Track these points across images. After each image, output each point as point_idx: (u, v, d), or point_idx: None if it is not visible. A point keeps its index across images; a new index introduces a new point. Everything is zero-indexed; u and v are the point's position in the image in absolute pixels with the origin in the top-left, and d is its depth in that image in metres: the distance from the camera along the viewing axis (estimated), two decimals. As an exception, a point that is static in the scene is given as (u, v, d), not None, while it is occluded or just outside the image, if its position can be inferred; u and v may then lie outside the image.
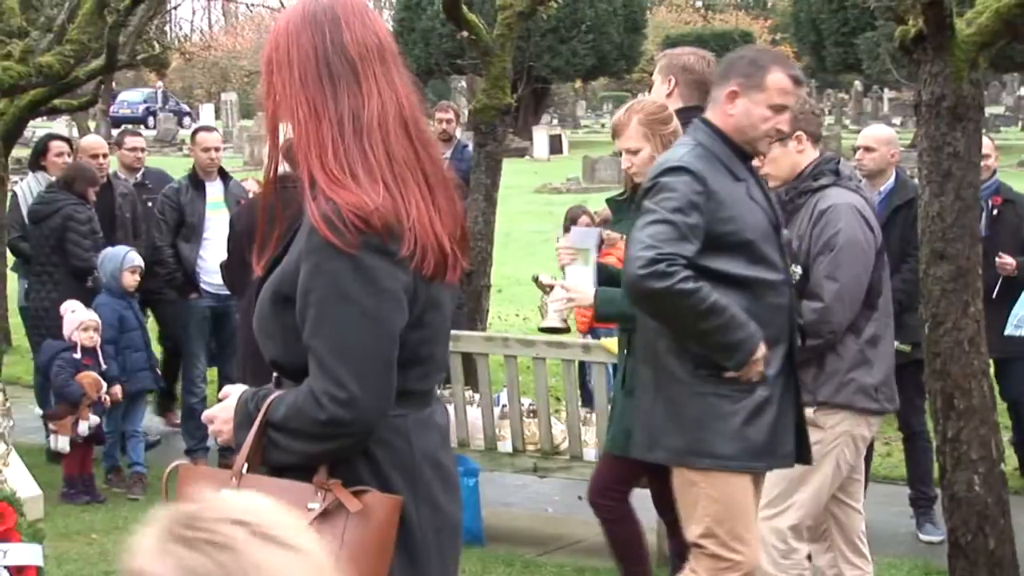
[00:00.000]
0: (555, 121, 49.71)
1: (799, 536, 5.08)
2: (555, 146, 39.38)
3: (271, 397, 2.65)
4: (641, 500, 5.40)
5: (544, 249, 5.43)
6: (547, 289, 5.26)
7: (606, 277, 5.05)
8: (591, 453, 6.74)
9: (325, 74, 2.64)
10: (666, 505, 5.44)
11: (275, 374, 2.79)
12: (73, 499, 7.71)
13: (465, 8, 10.69)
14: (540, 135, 39.48)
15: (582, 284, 5.04)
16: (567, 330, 5.64)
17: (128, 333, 8.06)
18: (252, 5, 33.10)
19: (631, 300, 4.30)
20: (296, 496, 2.56)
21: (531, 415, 7.00)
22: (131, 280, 8.18)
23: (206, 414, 2.84)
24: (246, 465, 2.68)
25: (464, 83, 41.32)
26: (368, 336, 2.56)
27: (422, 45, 41.82)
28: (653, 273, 4.05)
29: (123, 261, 8.22)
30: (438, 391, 2.99)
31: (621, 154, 5.19)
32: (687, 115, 5.57)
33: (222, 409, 2.79)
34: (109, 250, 8.52)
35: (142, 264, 8.32)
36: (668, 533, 5.50)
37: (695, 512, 4.34)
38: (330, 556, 2.49)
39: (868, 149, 7.04)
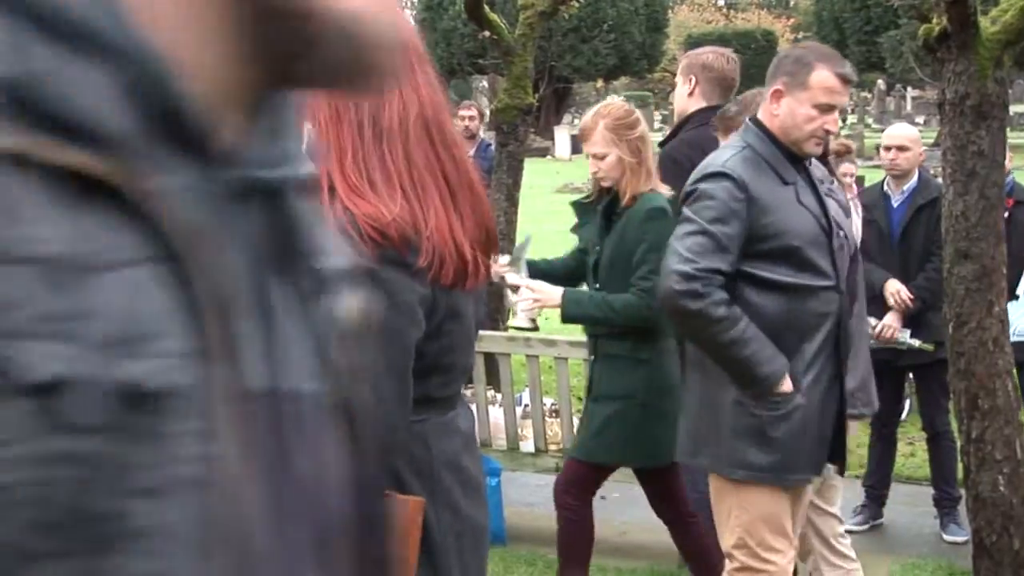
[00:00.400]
0: (576, 121, 49.66)
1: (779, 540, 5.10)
2: (576, 146, 39.24)
3: None
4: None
5: (566, 248, 5.43)
6: (514, 289, 5.25)
7: (539, 273, 5.16)
8: (613, 453, 6.72)
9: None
10: (663, 507, 5.47)
11: None
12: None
13: (487, 8, 10.69)
14: (562, 135, 39.44)
15: (548, 286, 5.03)
16: (536, 329, 5.66)
17: None
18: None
19: (664, 311, 4.27)
20: None
21: (553, 415, 6.98)
22: None
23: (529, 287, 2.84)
24: None
25: (486, 83, 41.37)
26: (387, 351, 2.52)
27: (444, 45, 41.82)
28: (687, 292, 4.00)
29: None
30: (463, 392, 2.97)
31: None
32: (709, 114, 5.57)
33: (545, 287, 2.78)
34: None
35: None
36: (671, 535, 5.51)
37: (728, 521, 4.30)
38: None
39: (902, 148, 6.96)
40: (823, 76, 4.21)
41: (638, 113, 5.27)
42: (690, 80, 5.61)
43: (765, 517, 4.25)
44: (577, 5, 11.53)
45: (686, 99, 5.64)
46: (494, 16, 10.78)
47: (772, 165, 4.18)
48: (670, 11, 50.53)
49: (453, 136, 2.74)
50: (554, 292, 5.00)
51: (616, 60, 43.23)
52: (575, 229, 5.46)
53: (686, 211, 4.13)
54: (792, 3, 68.47)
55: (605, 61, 42.76)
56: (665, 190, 5.16)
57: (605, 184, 5.06)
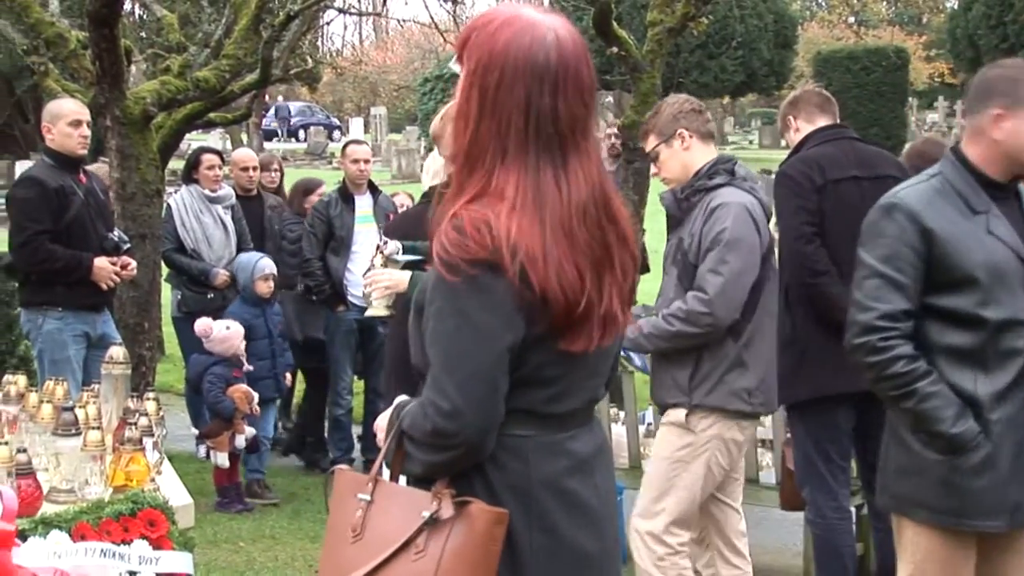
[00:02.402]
0: (702, 137, 49.41)
1: (675, 535, 5.03)
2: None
3: (408, 406, 2.66)
4: (782, 523, 5.31)
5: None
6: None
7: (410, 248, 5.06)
8: (737, 474, 6.65)
9: (532, 137, 2.59)
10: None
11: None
12: (227, 508, 7.84)
13: (615, 24, 10.68)
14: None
15: (396, 271, 4.96)
16: (393, 317, 5.57)
17: (254, 342, 8.07)
18: (403, 21, 33.49)
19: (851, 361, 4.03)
20: (415, 503, 2.59)
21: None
22: (265, 288, 8.26)
23: (376, 424, 2.83)
24: (385, 471, 2.69)
25: (612, 99, 41.29)
26: (477, 351, 2.53)
27: (570, 61, 41.84)
28: (865, 346, 3.83)
29: (255, 269, 8.30)
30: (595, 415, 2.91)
31: (771, 172, 5.14)
32: (830, 132, 5.58)
33: (382, 418, 2.79)
34: (242, 257, 8.64)
35: (275, 271, 8.42)
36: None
37: (905, 557, 4.04)
38: (434, 563, 2.52)
39: None
40: None
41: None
42: (788, 122, 5.69)
43: (941, 562, 3.96)
44: (706, 22, 11.48)
45: (794, 136, 5.69)
46: (622, 32, 10.77)
47: (963, 194, 3.89)
48: (799, 28, 49.99)
49: (618, 210, 2.71)
50: (403, 276, 4.93)
51: (743, 77, 42.90)
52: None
53: (859, 251, 3.94)
54: (924, 20, 67.48)
55: (732, 78, 42.46)
56: None
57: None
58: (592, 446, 2.78)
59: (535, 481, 2.64)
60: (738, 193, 4.98)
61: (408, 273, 4.93)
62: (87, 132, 7.13)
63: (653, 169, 5.31)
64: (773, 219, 5.44)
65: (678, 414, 4.98)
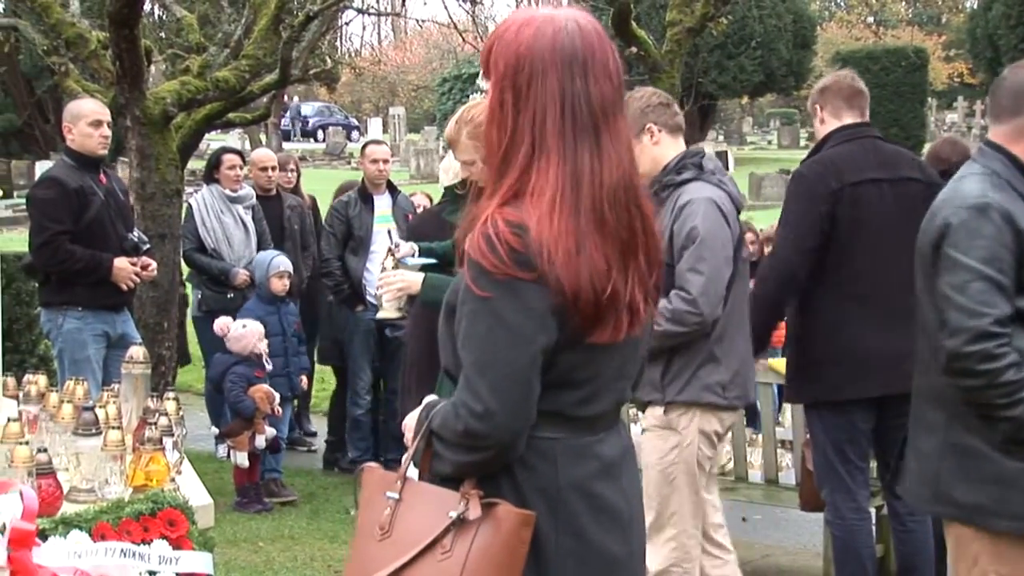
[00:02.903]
0: (721, 137, 49.36)
1: (695, 538, 5.01)
2: (721, 162, 39.07)
3: (438, 405, 2.66)
4: (801, 524, 5.30)
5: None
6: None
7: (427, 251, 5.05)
8: (756, 475, 6.64)
9: (569, 124, 2.61)
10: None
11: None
12: (246, 508, 7.85)
13: (634, 24, 10.67)
14: (706, 151, 39.20)
15: (409, 272, 4.95)
16: (404, 318, 5.55)
17: (268, 339, 8.06)
18: (421, 21, 33.45)
19: (945, 368, 3.78)
20: (443, 503, 2.60)
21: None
22: (279, 285, 8.28)
23: (404, 423, 2.83)
24: (413, 470, 2.69)
25: (630, 99, 41.23)
26: (511, 353, 2.53)
27: (588, 61, 41.82)
28: (980, 353, 3.64)
29: (270, 266, 8.33)
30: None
31: (789, 172, 5.13)
32: (853, 130, 5.52)
33: (410, 418, 2.78)
34: (259, 255, 8.67)
35: (290, 269, 8.44)
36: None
37: (972, 570, 3.86)
38: (459, 564, 2.52)
39: None
40: None
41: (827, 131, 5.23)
42: (816, 110, 5.60)
43: (1020, 573, 3.79)
44: (725, 22, 11.46)
45: (821, 127, 5.62)
46: (641, 32, 10.76)
47: (1018, 191, 3.79)
48: (818, 28, 49.88)
49: (642, 195, 2.73)
50: (415, 278, 4.92)
51: (762, 77, 42.84)
52: (449, 214, 5.38)
53: (951, 252, 3.73)
54: (944, 20, 67.27)
55: (751, 78, 42.41)
56: None
57: (481, 186, 5.05)
58: (619, 449, 2.78)
59: (563, 484, 2.64)
60: (706, 187, 4.96)
61: (421, 275, 4.93)
62: (107, 132, 7.14)
63: None
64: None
65: (656, 412, 4.96)
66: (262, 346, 7.84)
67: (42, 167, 35.63)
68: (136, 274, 7.21)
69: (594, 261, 2.57)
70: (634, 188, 2.69)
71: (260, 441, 7.73)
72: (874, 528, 5.84)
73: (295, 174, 10.36)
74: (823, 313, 5.37)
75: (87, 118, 7.07)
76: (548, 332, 2.55)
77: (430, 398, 2.78)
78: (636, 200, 2.68)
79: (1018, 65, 4.02)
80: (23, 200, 31.78)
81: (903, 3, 68.51)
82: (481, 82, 2.78)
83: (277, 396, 7.81)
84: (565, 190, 2.57)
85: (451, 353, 2.68)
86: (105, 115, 7.19)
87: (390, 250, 5.15)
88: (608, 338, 2.63)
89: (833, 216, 5.31)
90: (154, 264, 7.45)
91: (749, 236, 8.87)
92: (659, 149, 5.04)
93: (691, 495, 5.00)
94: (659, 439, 4.98)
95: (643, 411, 5.13)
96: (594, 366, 2.66)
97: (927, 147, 8.16)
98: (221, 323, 7.88)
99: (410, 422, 2.77)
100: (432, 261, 5.01)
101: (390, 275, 5.02)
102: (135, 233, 7.39)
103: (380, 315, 5.43)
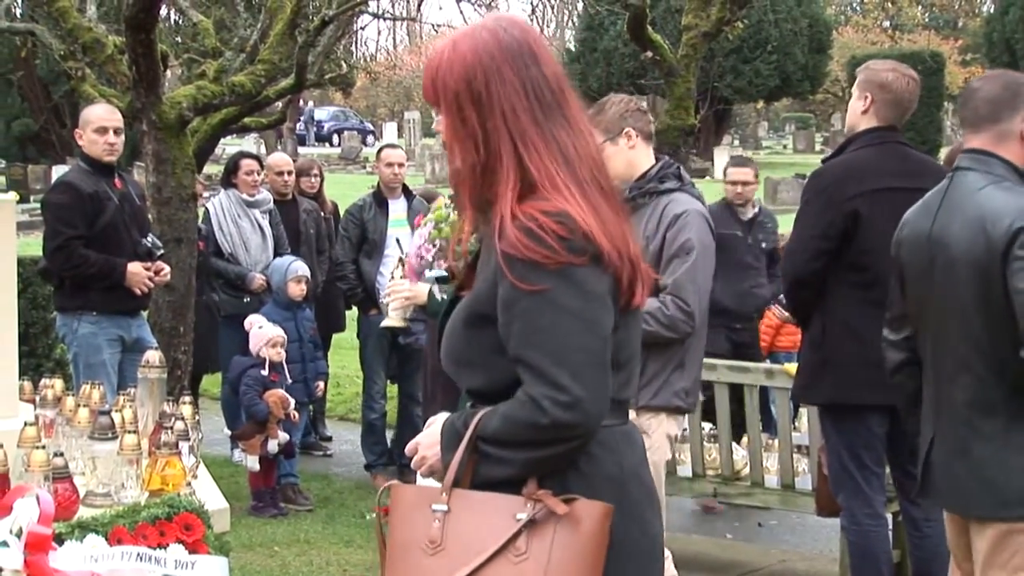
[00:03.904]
0: (737, 142, 49.31)
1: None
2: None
3: (480, 414, 2.61)
4: (818, 529, 5.28)
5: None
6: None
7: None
8: (773, 480, 6.63)
9: (538, 108, 2.63)
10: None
11: (469, 403, 2.75)
12: (261, 512, 7.84)
13: (649, 28, 10.67)
14: (722, 156, 39.06)
15: (417, 284, 4.99)
16: (408, 328, 5.53)
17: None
18: (437, 25, 33.51)
19: (1017, 377, 3.91)
20: (505, 508, 2.56)
21: (712, 440, 6.91)
22: (297, 290, 8.30)
23: (409, 446, 2.78)
24: (423, 480, 2.68)
25: (646, 104, 41.26)
26: (584, 339, 2.52)
27: (603, 65, 41.85)
28: None
29: (287, 271, 8.35)
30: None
31: (805, 176, 5.14)
32: (878, 135, 5.43)
33: (426, 436, 2.74)
34: (276, 260, 8.70)
35: (308, 274, 8.46)
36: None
37: (1011, 561, 3.95)
38: (541, 564, 2.50)
39: None
40: None
41: (864, 126, 5.25)
42: (865, 97, 5.42)
43: None
44: (741, 26, 11.44)
45: (859, 116, 5.47)
46: (656, 36, 10.75)
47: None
48: (834, 32, 49.76)
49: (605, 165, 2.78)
50: (421, 288, 4.98)
51: (778, 81, 42.77)
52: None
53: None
54: (960, 24, 67.09)
55: (767, 82, 42.34)
56: None
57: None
58: (640, 434, 2.84)
59: (627, 471, 2.67)
60: (692, 200, 5.06)
61: (427, 286, 4.97)
62: (113, 139, 7.12)
63: None
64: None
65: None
66: (271, 352, 7.83)
67: (59, 172, 35.75)
68: (150, 279, 7.22)
69: (615, 228, 2.61)
70: (599, 151, 2.76)
71: (272, 446, 7.72)
72: (890, 533, 5.82)
73: (318, 179, 10.36)
74: (843, 316, 5.34)
75: (93, 124, 7.09)
76: (609, 312, 2.59)
77: (440, 417, 2.75)
78: (602, 168, 2.73)
79: (986, 76, 4.25)
80: (39, 204, 31.89)
81: (919, 7, 68.31)
82: (437, 123, 2.78)
83: (292, 401, 7.81)
84: (561, 169, 2.60)
85: (482, 369, 2.67)
86: (112, 121, 7.18)
87: (401, 260, 5.17)
88: (637, 302, 2.67)
89: (851, 220, 5.28)
90: (167, 268, 7.46)
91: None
92: (634, 153, 5.11)
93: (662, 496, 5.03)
94: None
95: None
96: (631, 345, 2.72)
97: (943, 151, 8.10)
98: (250, 320, 7.97)
99: (427, 440, 2.74)
100: (444, 273, 5.03)
101: (397, 284, 5.04)
102: (149, 238, 7.40)
103: (385, 323, 5.45)
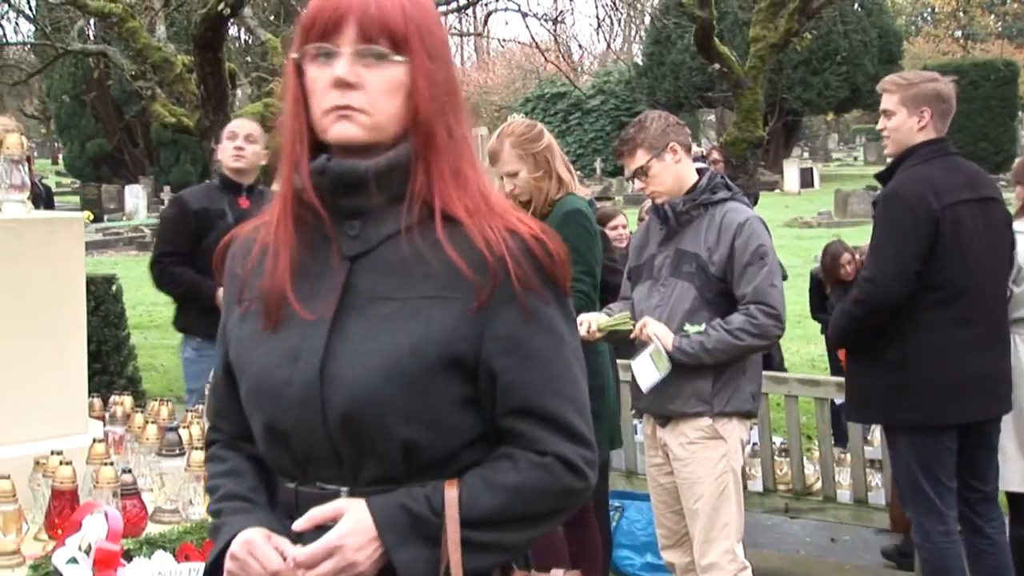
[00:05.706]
0: (806, 154, 49.04)
1: (739, 548, 5.06)
2: (806, 179, 38.81)
3: (451, 492, 2.01)
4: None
5: (796, 284, 5.36)
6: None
7: None
8: (845, 495, 6.55)
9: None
10: None
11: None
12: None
13: (716, 40, 10.62)
14: (791, 168, 38.96)
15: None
16: None
17: None
18: (504, 41, 33.63)
19: None
20: None
21: (782, 454, 6.85)
22: None
23: (322, 548, 1.97)
24: None
25: (713, 116, 41.12)
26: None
27: (671, 79, 41.79)
28: None
29: None
30: None
31: (876, 189, 5.09)
32: (942, 146, 5.35)
33: (348, 533, 1.98)
34: None
35: None
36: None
37: None
38: None
39: None
40: None
41: (540, 126, 5.29)
42: (922, 113, 5.31)
43: None
44: (809, 37, 11.37)
45: (915, 133, 5.36)
46: (724, 49, 10.71)
47: None
48: (905, 42, 49.37)
49: None
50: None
51: (847, 92, 42.49)
52: None
53: None
54: (1033, 32, 66.34)
55: (836, 94, 42.08)
56: (584, 192, 5.32)
57: (522, 199, 5.15)
58: None
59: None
60: (746, 207, 5.08)
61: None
62: (242, 145, 6.71)
63: (638, 184, 5.26)
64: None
65: (702, 423, 4.98)
66: None
67: (132, 191, 36.24)
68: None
69: None
70: None
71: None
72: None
73: None
74: (927, 339, 5.25)
75: (226, 132, 6.84)
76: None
77: (353, 503, 2.02)
78: None
79: None
80: (113, 223, 32.34)
81: (992, 16, 67.64)
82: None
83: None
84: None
85: (430, 423, 2.03)
86: (243, 128, 6.86)
87: None
88: None
89: (934, 237, 5.19)
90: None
91: (846, 256, 8.86)
92: (681, 167, 5.10)
93: (737, 503, 5.05)
94: (709, 450, 5.00)
95: (664, 424, 5.10)
96: None
97: (1017, 161, 7.94)
98: None
99: (354, 540, 1.98)
100: None
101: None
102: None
103: None
